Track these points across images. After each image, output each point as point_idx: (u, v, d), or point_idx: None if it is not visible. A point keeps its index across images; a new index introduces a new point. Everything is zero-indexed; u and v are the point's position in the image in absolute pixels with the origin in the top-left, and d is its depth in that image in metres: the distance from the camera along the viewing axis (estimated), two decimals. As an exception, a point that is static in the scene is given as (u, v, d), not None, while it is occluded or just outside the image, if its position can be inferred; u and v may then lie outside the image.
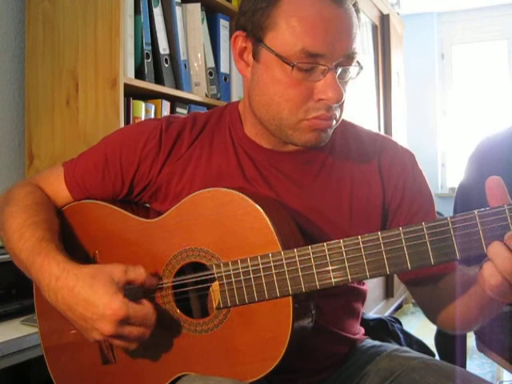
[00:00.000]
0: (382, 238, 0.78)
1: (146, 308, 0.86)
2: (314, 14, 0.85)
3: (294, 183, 0.98)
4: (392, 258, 0.78)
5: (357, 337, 1.08)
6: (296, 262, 0.83)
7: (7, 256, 0.99)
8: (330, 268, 0.81)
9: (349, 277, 0.81)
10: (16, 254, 0.95)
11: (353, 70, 0.91)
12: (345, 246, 0.80)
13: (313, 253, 0.82)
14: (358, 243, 0.80)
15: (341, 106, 0.92)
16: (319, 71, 0.87)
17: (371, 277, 0.81)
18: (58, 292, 0.87)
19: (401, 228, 0.78)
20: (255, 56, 0.91)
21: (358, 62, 0.91)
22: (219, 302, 0.88)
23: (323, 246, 0.82)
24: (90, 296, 0.84)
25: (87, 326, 0.86)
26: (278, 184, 0.98)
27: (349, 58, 0.88)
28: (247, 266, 0.85)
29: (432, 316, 1.00)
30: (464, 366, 1.61)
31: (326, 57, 0.86)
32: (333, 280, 0.81)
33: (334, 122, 0.92)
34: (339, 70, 0.88)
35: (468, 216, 0.74)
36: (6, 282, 1.34)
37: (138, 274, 0.87)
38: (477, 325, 0.94)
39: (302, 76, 0.87)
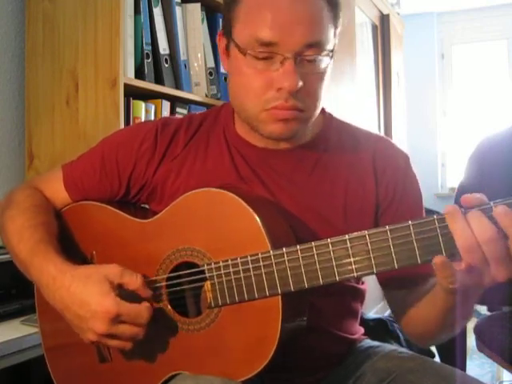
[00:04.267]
0: (369, 235, 0.78)
1: (138, 307, 0.86)
2: (267, 4, 0.86)
3: (287, 181, 0.98)
4: (378, 257, 0.77)
5: (355, 337, 1.08)
6: (285, 261, 0.82)
7: (7, 256, 1.00)
8: (318, 267, 0.81)
9: (336, 277, 0.80)
10: (16, 254, 0.97)
11: (322, 61, 0.89)
12: (332, 245, 0.80)
13: (301, 252, 0.81)
14: (345, 241, 0.79)
15: (309, 97, 0.90)
16: (278, 61, 0.87)
17: (359, 277, 0.81)
18: (56, 292, 0.89)
19: (387, 226, 0.77)
20: (227, 51, 0.94)
21: (330, 52, 0.89)
22: (210, 302, 0.88)
23: (311, 244, 0.81)
24: (84, 295, 0.85)
25: (82, 325, 0.87)
26: (271, 182, 0.98)
27: (311, 47, 0.87)
28: (237, 266, 0.86)
29: (403, 323, 0.99)
30: (464, 366, 1.61)
31: (280, 45, 0.86)
32: (321, 280, 0.81)
33: (298, 112, 0.90)
34: (298, 60, 0.86)
35: None
36: (5, 282, 1.34)
37: (134, 279, 0.88)
38: (440, 333, 0.93)
39: (262, 66, 0.88)
